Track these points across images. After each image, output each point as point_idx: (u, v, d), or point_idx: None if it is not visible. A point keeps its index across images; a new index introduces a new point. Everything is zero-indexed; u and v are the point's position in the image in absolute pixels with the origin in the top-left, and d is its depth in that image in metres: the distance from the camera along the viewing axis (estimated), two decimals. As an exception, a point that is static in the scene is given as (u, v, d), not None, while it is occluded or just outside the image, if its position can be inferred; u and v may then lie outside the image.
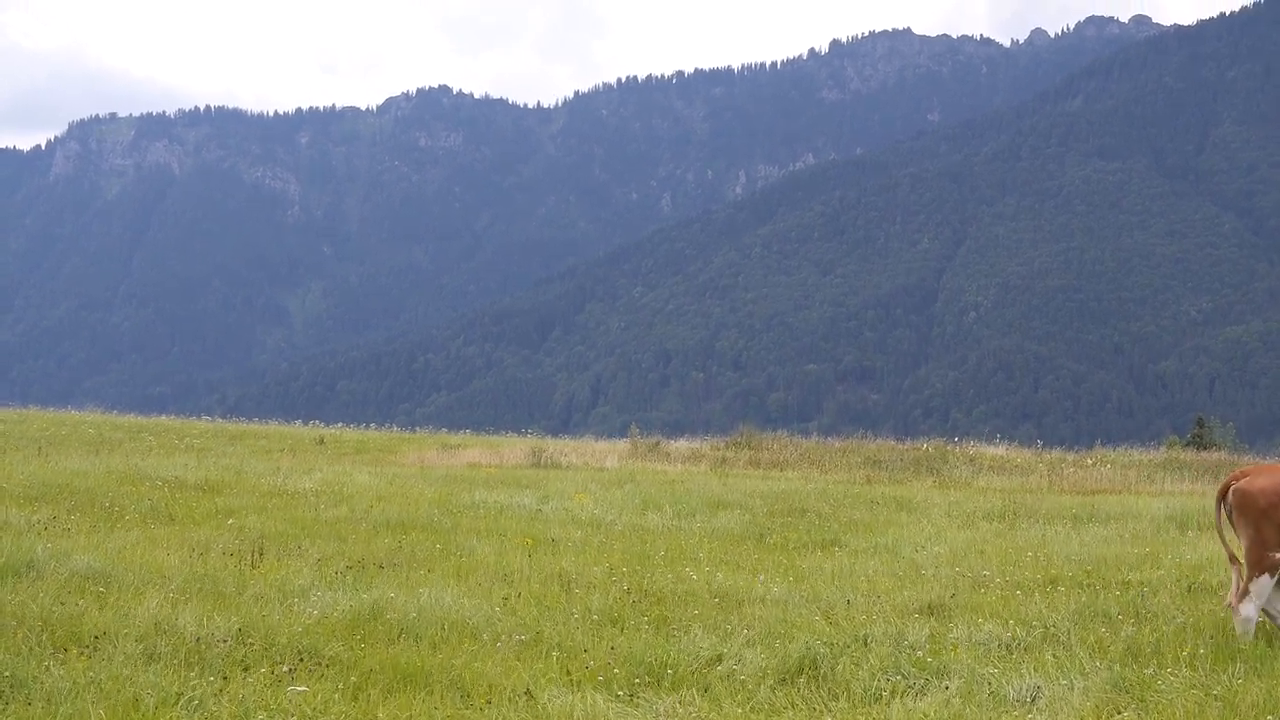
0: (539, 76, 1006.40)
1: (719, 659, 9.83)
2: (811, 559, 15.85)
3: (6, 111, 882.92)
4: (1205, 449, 41.82)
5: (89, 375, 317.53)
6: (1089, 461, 34.98)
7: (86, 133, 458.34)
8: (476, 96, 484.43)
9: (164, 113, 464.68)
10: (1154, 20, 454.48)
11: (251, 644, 9.58)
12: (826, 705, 8.85)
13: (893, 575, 14.42)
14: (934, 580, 13.99)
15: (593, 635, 10.59)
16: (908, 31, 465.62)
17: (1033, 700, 8.92)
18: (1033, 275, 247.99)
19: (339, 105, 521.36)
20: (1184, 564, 15.17)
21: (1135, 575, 14.32)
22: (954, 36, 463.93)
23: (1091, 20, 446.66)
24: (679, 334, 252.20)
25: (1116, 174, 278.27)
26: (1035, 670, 9.54)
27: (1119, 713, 8.67)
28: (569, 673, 9.30)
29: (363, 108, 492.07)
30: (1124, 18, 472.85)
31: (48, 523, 15.64)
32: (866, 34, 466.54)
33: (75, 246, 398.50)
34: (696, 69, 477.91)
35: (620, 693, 8.92)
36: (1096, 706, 8.76)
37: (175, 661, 9.08)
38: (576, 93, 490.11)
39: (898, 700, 8.88)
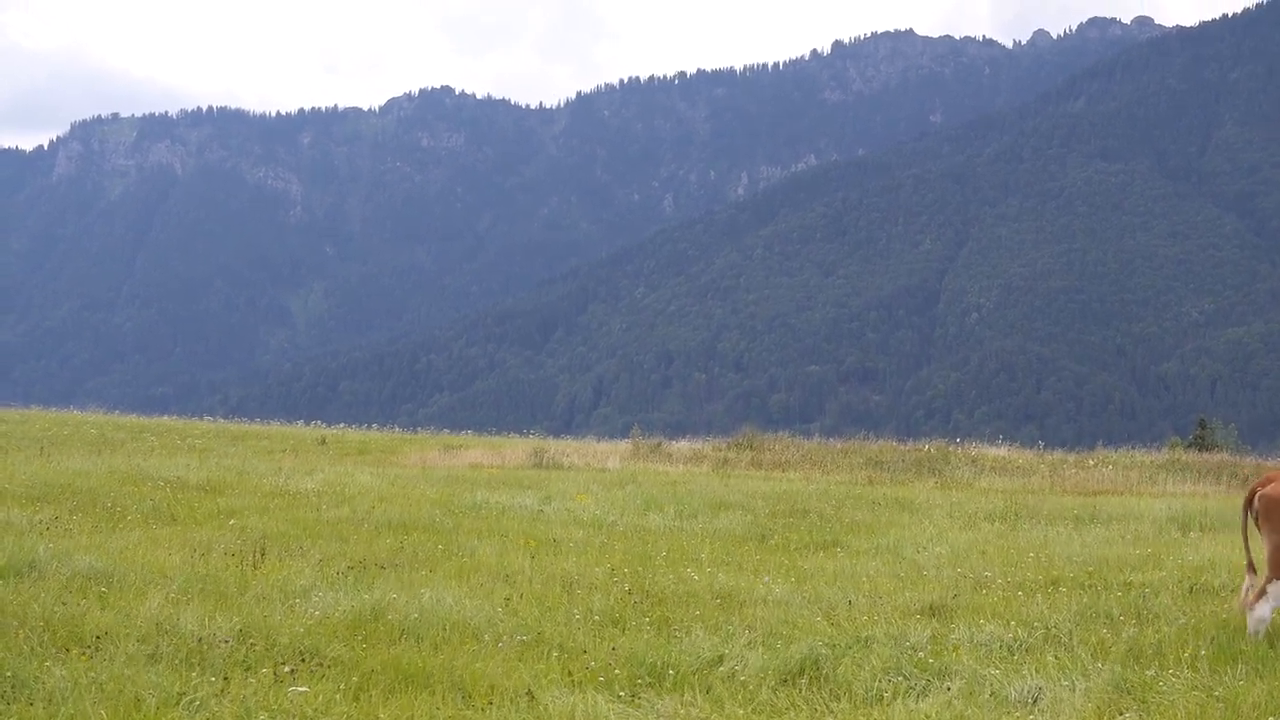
0: (541, 77, 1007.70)
1: (720, 660, 9.82)
2: (813, 560, 15.84)
3: (8, 112, 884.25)
4: (1207, 450, 41.80)
5: (91, 375, 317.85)
6: (1091, 463, 34.97)
7: (89, 133, 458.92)
8: (479, 97, 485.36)
9: (166, 113, 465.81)
10: (1156, 21, 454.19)
11: (253, 644, 9.58)
12: (828, 706, 8.84)
13: (894, 576, 14.42)
14: (936, 581, 13.98)
15: (594, 636, 10.59)
16: (910, 32, 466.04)
17: (1034, 701, 8.91)
18: (1035, 276, 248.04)
19: (341, 106, 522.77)
20: (1186, 565, 15.16)
21: (1137, 576, 14.31)
22: (956, 37, 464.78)
23: (1094, 21, 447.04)
24: (681, 335, 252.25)
25: (1118, 175, 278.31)
26: (1037, 671, 9.53)
27: (1121, 714, 8.66)
28: (570, 673, 9.29)
29: (365, 108, 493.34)
30: (1126, 19, 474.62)
31: (50, 523, 15.65)
32: (869, 35, 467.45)
33: (78, 247, 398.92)
34: (699, 69, 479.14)
35: (621, 693, 8.91)
36: (1098, 708, 8.75)
37: (177, 662, 9.08)
38: (578, 93, 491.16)
39: (899, 701, 8.88)
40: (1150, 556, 16.15)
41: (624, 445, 41.74)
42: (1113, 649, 10.34)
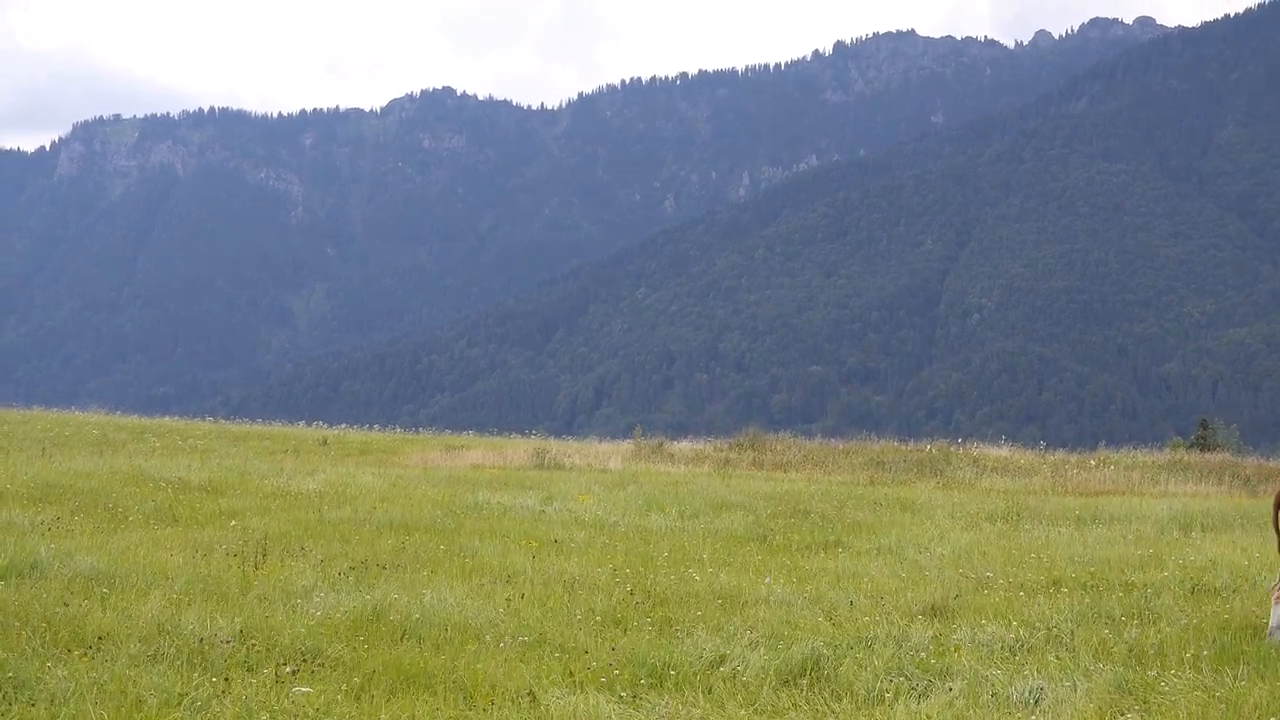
0: (542, 77, 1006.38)
1: (722, 660, 9.83)
2: (815, 560, 15.85)
3: (10, 113, 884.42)
4: (1209, 451, 41.80)
5: (93, 376, 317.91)
6: (1092, 463, 34.97)
7: (90, 134, 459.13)
8: (480, 98, 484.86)
9: (168, 114, 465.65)
10: (1158, 22, 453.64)
11: (254, 645, 9.59)
12: (829, 706, 8.84)
13: (896, 576, 14.42)
14: (937, 582, 13.98)
15: (596, 636, 10.59)
16: (911, 33, 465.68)
17: (1036, 702, 8.92)
18: (1036, 277, 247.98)
19: (343, 106, 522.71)
20: (1188, 565, 15.16)
21: (1139, 577, 14.31)
22: (958, 38, 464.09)
23: (1095, 22, 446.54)
24: (682, 335, 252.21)
25: (1120, 176, 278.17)
26: (1038, 672, 9.53)
27: (1122, 714, 8.66)
28: (572, 674, 9.30)
29: (366, 109, 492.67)
30: (1128, 19, 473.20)
31: (51, 523, 15.66)
32: (870, 35, 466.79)
33: (79, 247, 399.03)
34: (700, 70, 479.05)
35: (623, 694, 8.92)
36: (1100, 708, 8.75)
37: (178, 662, 9.09)
38: (580, 94, 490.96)
39: (901, 702, 8.88)
40: (1152, 557, 16.15)
41: (626, 446, 41.73)
42: (1114, 649, 10.34)
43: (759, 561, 15.52)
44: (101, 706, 8.00)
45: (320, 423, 61.56)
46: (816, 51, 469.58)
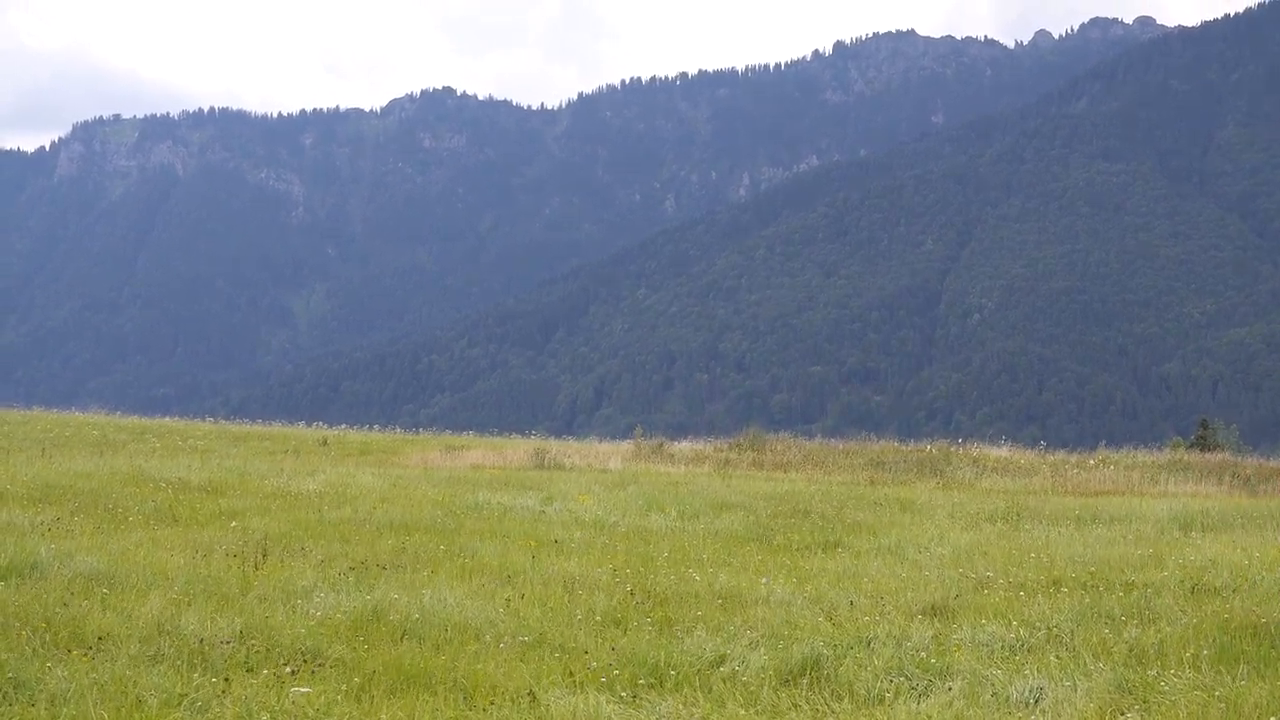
0: (542, 77, 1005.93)
1: (722, 660, 9.83)
2: (815, 560, 15.84)
3: (10, 113, 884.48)
4: (1209, 451, 41.77)
5: (93, 376, 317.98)
6: (1092, 463, 34.95)
7: (90, 134, 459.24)
8: (480, 98, 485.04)
9: (168, 114, 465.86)
10: (1158, 22, 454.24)
11: (254, 645, 9.59)
12: (829, 706, 8.84)
13: (896, 576, 14.41)
14: (937, 582, 13.98)
15: (596, 636, 10.59)
16: (912, 33, 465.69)
17: (1036, 701, 8.92)
18: (1037, 277, 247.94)
19: (343, 107, 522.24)
20: (1188, 565, 15.15)
21: (1138, 576, 14.30)
22: (958, 38, 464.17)
23: (1095, 22, 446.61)
24: (683, 335, 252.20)
25: (1120, 176, 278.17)
26: (1039, 671, 9.53)
27: (1122, 714, 8.66)
28: (572, 674, 9.30)
29: (366, 109, 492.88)
30: (1128, 19, 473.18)
31: (52, 524, 15.66)
32: (870, 35, 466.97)
33: (80, 248, 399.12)
34: (700, 70, 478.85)
35: (623, 694, 8.92)
36: (1100, 708, 8.75)
37: (178, 663, 9.09)
38: (580, 94, 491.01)
39: (901, 701, 8.88)
40: (1152, 557, 16.14)
41: (626, 446, 41.73)
42: (1114, 649, 10.34)
43: (759, 562, 15.51)
44: (101, 707, 8.00)
45: (320, 423, 61.53)
46: (816, 51, 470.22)
